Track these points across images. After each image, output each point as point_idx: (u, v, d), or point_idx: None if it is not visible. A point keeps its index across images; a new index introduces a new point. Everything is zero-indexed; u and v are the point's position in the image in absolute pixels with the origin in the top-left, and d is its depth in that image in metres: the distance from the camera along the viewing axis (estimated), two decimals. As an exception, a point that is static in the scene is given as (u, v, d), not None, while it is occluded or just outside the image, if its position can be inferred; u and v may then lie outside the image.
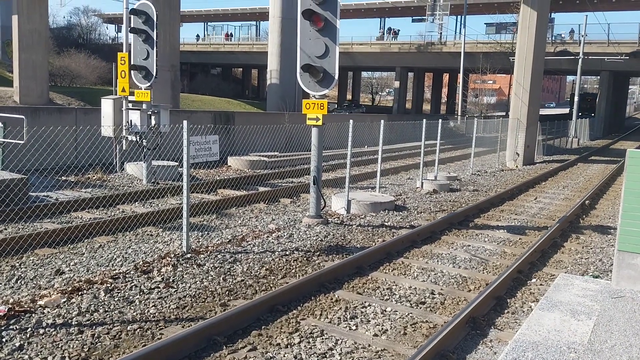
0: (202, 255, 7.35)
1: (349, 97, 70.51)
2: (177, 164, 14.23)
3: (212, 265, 7.03)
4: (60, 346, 4.78)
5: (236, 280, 6.61)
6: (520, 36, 22.20)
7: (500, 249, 8.79)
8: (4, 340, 4.82)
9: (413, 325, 5.62)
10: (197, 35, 67.24)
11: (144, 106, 12.89)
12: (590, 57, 38.25)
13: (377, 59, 51.51)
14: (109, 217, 9.70)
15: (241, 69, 72.57)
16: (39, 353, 4.65)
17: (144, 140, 12.96)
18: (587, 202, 13.06)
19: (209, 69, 67.13)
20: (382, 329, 5.50)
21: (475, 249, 8.71)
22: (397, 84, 54.41)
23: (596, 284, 6.24)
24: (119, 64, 13.07)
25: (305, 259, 7.64)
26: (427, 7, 48.32)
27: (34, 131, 11.41)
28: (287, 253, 7.81)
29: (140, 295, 5.97)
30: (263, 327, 5.37)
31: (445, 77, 67.37)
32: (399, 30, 55.44)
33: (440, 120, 15.88)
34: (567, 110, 62.69)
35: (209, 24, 68.96)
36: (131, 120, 12.97)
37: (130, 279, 6.36)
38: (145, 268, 6.76)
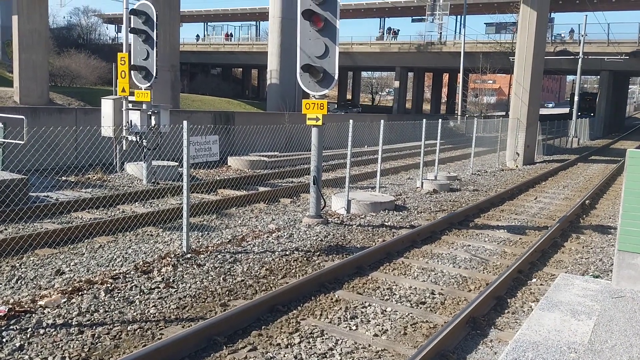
0: (202, 256, 7.35)
1: (349, 97, 70.47)
2: (177, 164, 14.23)
3: (212, 265, 7.04)
4: (60, 346, 4.79)
5: (236, 280, 6.61)
6: (520, 36, 22.19)
7: (500, 248, 8.79)
8: (4, 340, 4.82)
9: (413, 325, 5.62)
10: (197, 36, 67.34)
11: (144, 106, 12.90)
12: (590, 57, 38.23)
13: (377, 59, 51.51)
14: (109, 217, 9.70)
15: (241, 69, 72.58)
16: (39, 353, 4.66)
17: (144, 141, 12.97)
18: (587, 201, 13.06)
19: (209, 69, 67.12)
20: (382, 329, 5.50)
21: (475, 248, 8.71)
22: (397, 83, 54.40)
23: (596, 284, 6.24)
24: (119, 64, 13.08)
25: (305, 259, 7.64)
26: (427, 7, 48.32)
27: (34, 131, 11.41)
28: (287, 253, 7.81)
29: (140, 295, 5.98)
30: (263, 327, 5.38)
31: (445, 77, 67.38)
32: (398, 30, 55.41)
33: (440, 120, 15.88)
34: (567, 110, 62.73)
35: (209, 24, 68.96)
36: (131, 121, 12.98)
37: (130, 279, 6.37)
38: (145, 268, 6.76)
